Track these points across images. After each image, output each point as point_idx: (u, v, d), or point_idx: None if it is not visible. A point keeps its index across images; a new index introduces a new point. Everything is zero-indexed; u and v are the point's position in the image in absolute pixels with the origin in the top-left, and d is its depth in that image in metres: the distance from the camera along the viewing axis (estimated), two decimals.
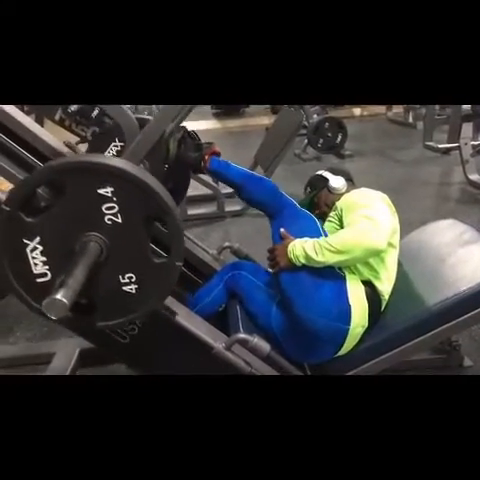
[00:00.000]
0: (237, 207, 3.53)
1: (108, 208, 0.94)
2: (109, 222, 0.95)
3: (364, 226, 1.27)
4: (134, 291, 1.00)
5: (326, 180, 1.62)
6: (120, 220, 0.95)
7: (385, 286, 1.40)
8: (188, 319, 1.24)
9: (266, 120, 6.91)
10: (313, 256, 1.26)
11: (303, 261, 1.28)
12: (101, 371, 1.87)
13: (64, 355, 1.85)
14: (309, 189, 1.69)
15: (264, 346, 1.26)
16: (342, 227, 1.40)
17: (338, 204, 1.49)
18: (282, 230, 1.38)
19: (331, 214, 1.53)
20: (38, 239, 0.95)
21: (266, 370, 1.29)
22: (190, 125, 1.55)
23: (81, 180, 0.92)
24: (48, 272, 0.97)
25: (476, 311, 1.38)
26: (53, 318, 0.82)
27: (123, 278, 0.99)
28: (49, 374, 1.77)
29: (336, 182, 1.60)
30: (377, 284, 1.38)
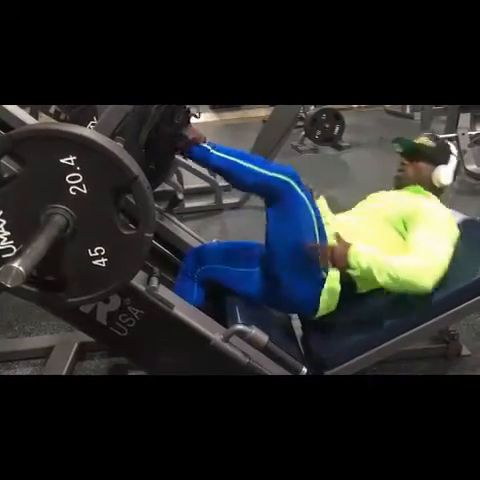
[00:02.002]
0: (235, 199, 3.51)
1: (72, 178, 0.90)
2: (74, 193, 0.91)
3: (429, 266, 1.25)
4: (104, 265, 0.96)
5: (445, 163, 1.49)
6: (85, 190, 0.91)
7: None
8: (186, 311, 1.24)
9: (263, 112, 6.87)
10: (375, 273, 1.24)
11: (360, 271, 1.27)
12: (100, 364, 1.88)
13: (63, 349, 1.86)
14: (432, 141, 1.55)
15: (262, 337, 1.25)
16: (395, 219, 1.41)
17: (415, 203, 1.42)
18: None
19: (397, 194, 1.49)
20: (0, 212, 0.92)
21: (264, 361, 1.29)
22: None
23: (42, 149, 0.89)
24: (13, 247, 0.94)
25: (474, 300, 1.38)
26: (8, 286, 0.77)
27: (92, 252, 0.95)
28: (48, 367, 1.78)
29: (445, 176, 1.47)
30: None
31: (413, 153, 1.54)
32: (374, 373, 1.62)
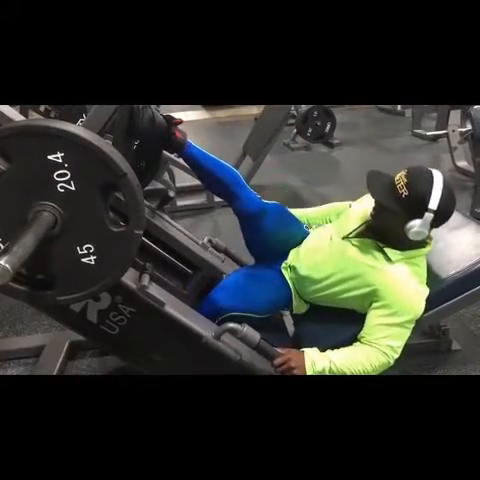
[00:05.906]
0: None
1: (60, 175, 0.89)
2: (62, 190, 0.90)
3: (378, 364, 1.27)
4: (93, 262, 0.96)
5: (420, 217, 1.20)
6: (73, 188, 0.90)
7: None
8: (177, 309, 1.24)
9: (255, 110, 6.86)
10: (331, 372, 1.27)
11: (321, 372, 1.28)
12: (91, 363, 1.87)
13: (54, 348, 1.85)
14: (406, 188, 1.21)
15: (254, 335, 1.25)
16: (357, 284, 1.32)
17: (377, 280, 1.28)
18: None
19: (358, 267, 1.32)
20: None
21: (256, 359, 1.30)
22: (178, 116, 1.52)
23: (29, 146, 0.88)
24: (1, 245, 0.93)
25: (464, 295, 1.40)
26: None
27: (81, 249, 0.95)
28: (39, 367, 1.77)
29: (417, 234, 1.23)
30: None
31: (381, 207, 1.29)
32: None
